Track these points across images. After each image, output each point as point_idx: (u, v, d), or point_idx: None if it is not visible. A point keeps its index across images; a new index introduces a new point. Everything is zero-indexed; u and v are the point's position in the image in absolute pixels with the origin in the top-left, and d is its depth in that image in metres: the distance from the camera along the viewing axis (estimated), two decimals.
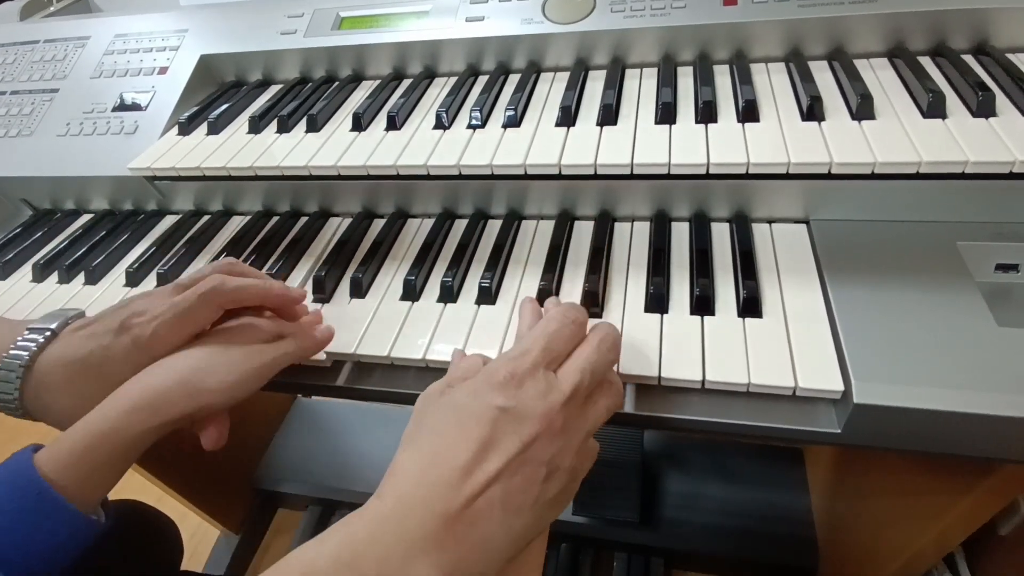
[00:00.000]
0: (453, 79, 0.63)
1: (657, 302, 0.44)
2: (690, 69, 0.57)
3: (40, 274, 0.59)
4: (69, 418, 0.37)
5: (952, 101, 0.46)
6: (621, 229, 0.52)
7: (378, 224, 0.57)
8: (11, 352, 0.40)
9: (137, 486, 1.00)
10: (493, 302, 0.47)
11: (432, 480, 0.29)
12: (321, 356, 0.45)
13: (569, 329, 0.35)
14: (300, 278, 0.53)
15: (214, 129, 0.61)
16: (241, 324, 0.43)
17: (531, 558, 0.33)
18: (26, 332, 0.41)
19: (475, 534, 0.28)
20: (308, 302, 0.50)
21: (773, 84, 0.52)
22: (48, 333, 0.41)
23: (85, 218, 0.67)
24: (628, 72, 0.58)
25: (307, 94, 0.64)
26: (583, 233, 0.52)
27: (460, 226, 0.55)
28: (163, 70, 0.68)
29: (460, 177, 0.51)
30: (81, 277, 0.57)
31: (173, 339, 0.40)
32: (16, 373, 0.39)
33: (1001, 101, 0.45)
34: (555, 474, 0.31)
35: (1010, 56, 0.50)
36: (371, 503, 0.29)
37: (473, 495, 0.28)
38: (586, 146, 0.49)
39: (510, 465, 0.29)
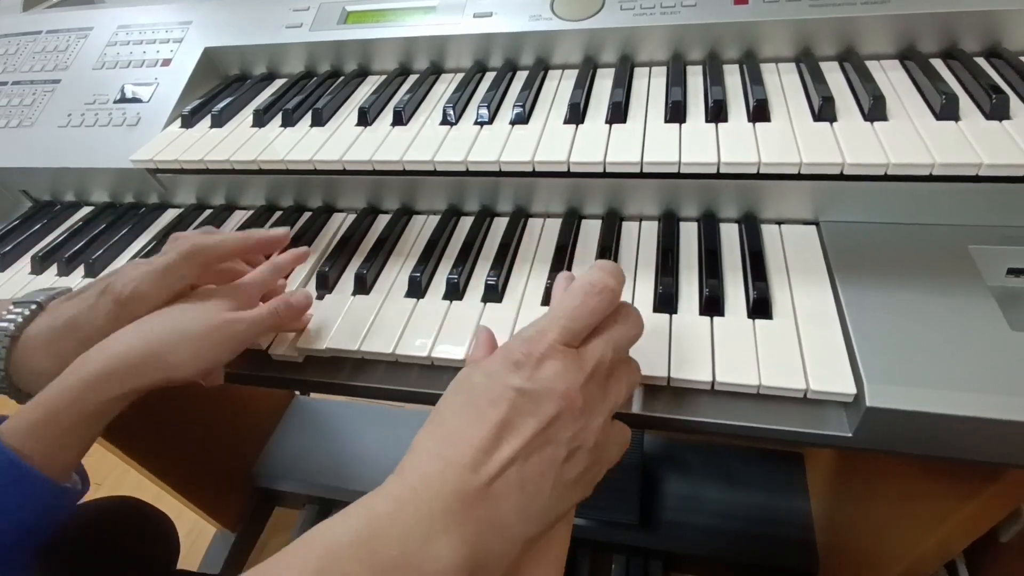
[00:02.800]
0: (460, 75, 0.62)
1: (666, 302, 0.43)
2: (700, 68, 0.56)
3: (39, 266, 0.58)
4: (42, 379, 0.37)
5: (965, 103, 0.46)
6: (629, 228, 0.51)
7: (383, 220, 0.57)
8: None
9: (134, 482, 0.99)
10: (499, 300, 0.46)
11: (451, 460, 0.28)
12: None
13: (595, 301, 0.33)
14: (303, 274, 0.52)
15: (218, 122, 0.60)
16: (217, 289, 0.43)
17: (557, 540, 0.32)
18: (12, 307, 0.41)
19: (494, 515, 0.28)
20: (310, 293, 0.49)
21: (784, 84, 0.52)
22: (34, 306, 0.41)
23: (85, 210, 0.66)
24: (637, 71, 0.58)
25: (312, 88, 0.63)
26: (590, 232, 0.52)
27: (466, 223, 0.55)
28: (166, 62, 0.67)
29: (467, 174, 0.51)
30: (80, 270, 0.57)
31: (154, 299, 0.40)
32: (2, 343, 0.39)
33: (1015, 104, 0.45)
34: (576, 454, 0.30)
35: (1023, 59, 0.49)
36: (391, 481, 0.28)
37: (491, 476, 0.28)
38: (595, 144, 0.48)
39: (527, 447, 0.29)
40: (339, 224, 0.58)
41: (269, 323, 0.42)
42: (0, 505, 0.34)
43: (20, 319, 0.40)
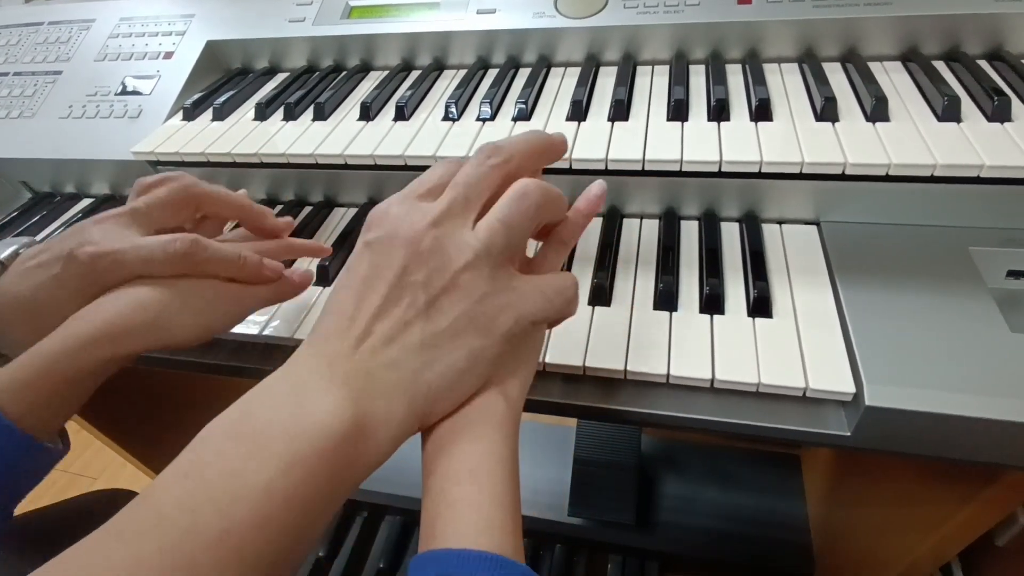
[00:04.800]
0: (463, 71, 0.62)
1: (666, 300, 0.43)
2: (702, 67, 0.57)
3: None
4: (22, 349, 0.35)
5: (967, 105, 0.46)
6: (630, 226, 0.51)
7: None
8: None
9: (130, 476, 0.99)
10: None
11: (321, 335, 0.28)
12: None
13: (446, 164, 0.32)
14: (304, 267, 0.52)
15: (219, 115, 0.60)
16: (224, 259, 0.40)
17: (486, 406, 0.30)
18: None
19: (368, 372, 0.27)
20: (310, 288, 0.49)
21: (786, 84, 0.52)
22: None
23: (85, 202, 0.66)
24: (640, 69, 0.58)
25: (314, 83, 0.63)
26: (591, 229, 0.51)
27: None
28: (168, 55, 0.67)
29: None
30: None
31: (128, 277, 0.38)
32: None
33: (1016, 106, 0.45)
34: (439, 300, 0.28)
35: None
36: (272, 374, 0.28)
37: (360, 336, 0.27)
38: (597, 141, 0.48)
39: (386, 297, 0.28)
40: (340, 218, 0.58)
41: (273, 299, 0.42)
42: None
43: None
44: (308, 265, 0.52)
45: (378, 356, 0.27)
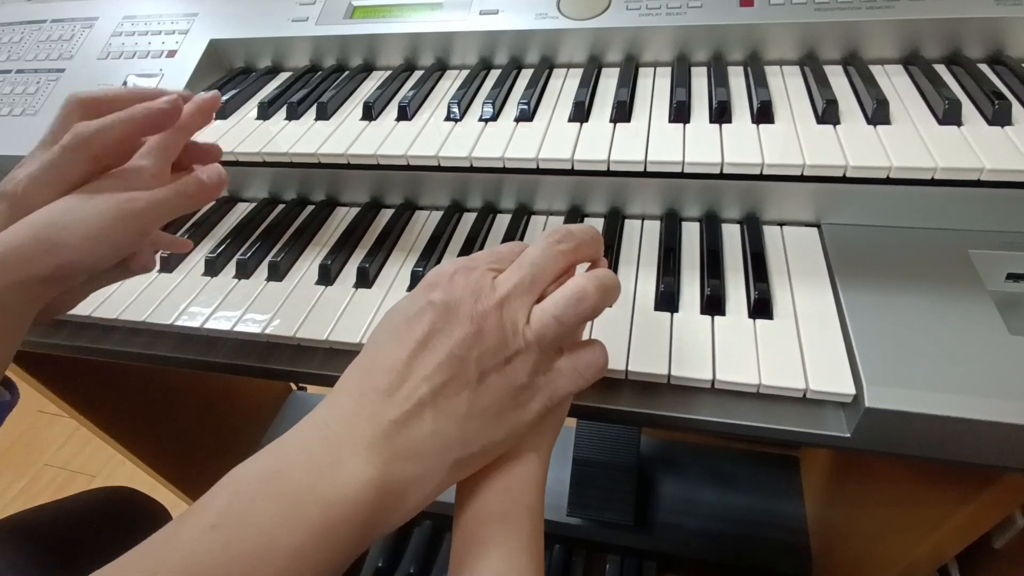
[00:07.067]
0: (465, 72, 0.62)
1: (667, 301, 0.43)
2: (704, 69, 0.57)
3: None
4: None
5: (968, 109, 0.46)
6: (631, 227, 0.52)
7: (385, 214, 0.57)
8: None
9: (128, 474, 0.99)
10: None
11: (365, 389, 0.28)
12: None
13: (517, 246, 0.33)
14: (306, 266, 0.52)
15: (222, 114, 0.60)
16: (114, 172, 0.38)
17: (516, 480, 0.31)
18: None
19: (408, 436, 0.27)
20: (311, 286, 0.49)
21: (788, 87, 0.52)
22: None
23: None
24: (642, 70, 0.58)
25: (317, 82, 0.63)
26: None
27: (469, 219, 0.55)
28: (171, 53, 0.67)
29: (471, 170, 0.51)
30: None
31: (45, 198, 0.36)
32: None
33: (1017, 110, 0.45)
34: (489, 378, 0.29)
35: None
36: (306, 419, 0.28)
37: (404, 397, 0.28)
38: (599, 142, 0.48)
39: (442, 365, 0.28)
40: (342, 218, 0.58)
41: (176, 201, 0.38)
42: None
43: None
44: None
45: (421, 421, 0.28)
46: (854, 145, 0.44)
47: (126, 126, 0.37)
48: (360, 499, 0.25)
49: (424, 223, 0.56)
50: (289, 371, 0.47)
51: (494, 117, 0.54)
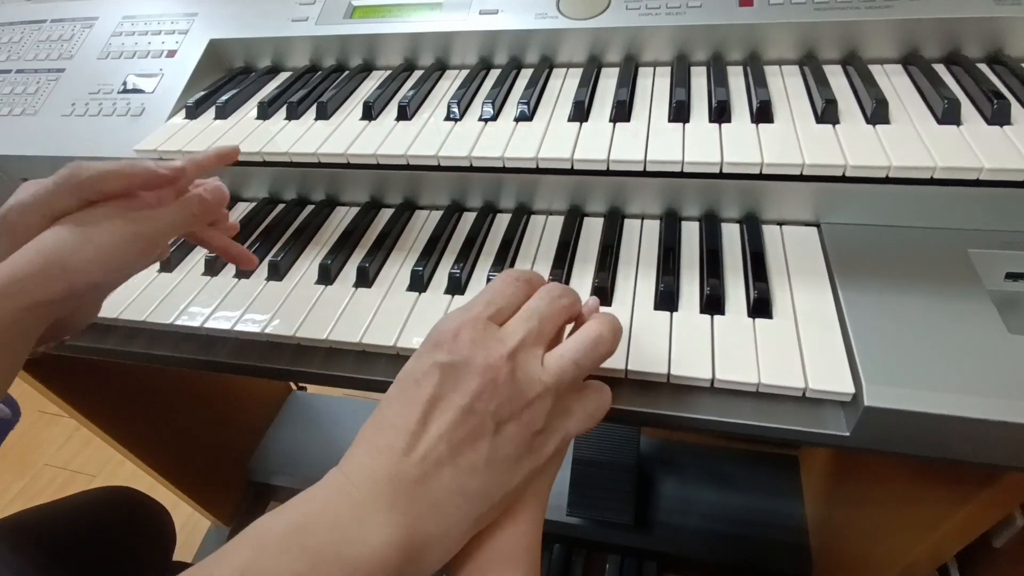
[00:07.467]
0: (465, 72, 0.62)
1: (667, 300, 0.44)
2: (703, 69, 0.57)
3: None
4: None
5: (967, 108, 0.46)
6: (631, 226, 0.52)
7: (385, 214, 0.57)
8: None
9: (128, 473, 0.99)
10: None
11: (382, 447, 0.29)
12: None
13: (514, 285, 0.34)
14: (306, 266, 0.52)
15: (222, 114, 0.60)
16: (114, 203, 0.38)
17: (523, 515, 0.32)
18: None
19: (428, 494, 0.28)
20: (311, 286, 0.49)
21: (787, 86, 0.52)
22: None
23: None
24: (641, 70, 0.58)
25: (317, 82, 0.63)
26: (592, 229, 0.52)
27: (468, 219, 0.55)
28: (171, 53, 0.67)
29: (471, 169, 0.51)
30: None
31: (35, 227, 0.36)
32: None
33: (1016, 109, 0.45)
34: (506, 428, 0.30)
35: None
36: (330, 474, 0.29)
37: (421, 456, 0.28)
38: (599, 141, 0.49)
39: (455, 423, 0.29)
40: (342, 217, 0.58)
41: (181, 220, 0.39)
42: None
43: None
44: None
45: (440, 479, 0.28)
46: (853, 145, 0.44)
47: (121, 181, 0.37)
48: (383, 561, 0.26)
49: (424, 223, 0.56)
50: (289, 371, 0.47)
51: (494, 117, 0.54)
